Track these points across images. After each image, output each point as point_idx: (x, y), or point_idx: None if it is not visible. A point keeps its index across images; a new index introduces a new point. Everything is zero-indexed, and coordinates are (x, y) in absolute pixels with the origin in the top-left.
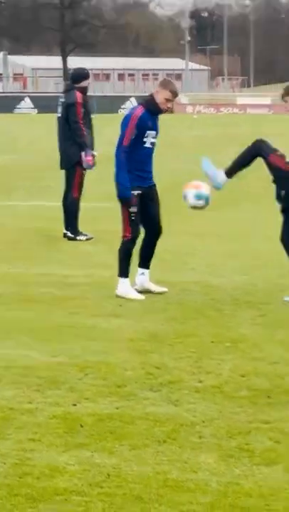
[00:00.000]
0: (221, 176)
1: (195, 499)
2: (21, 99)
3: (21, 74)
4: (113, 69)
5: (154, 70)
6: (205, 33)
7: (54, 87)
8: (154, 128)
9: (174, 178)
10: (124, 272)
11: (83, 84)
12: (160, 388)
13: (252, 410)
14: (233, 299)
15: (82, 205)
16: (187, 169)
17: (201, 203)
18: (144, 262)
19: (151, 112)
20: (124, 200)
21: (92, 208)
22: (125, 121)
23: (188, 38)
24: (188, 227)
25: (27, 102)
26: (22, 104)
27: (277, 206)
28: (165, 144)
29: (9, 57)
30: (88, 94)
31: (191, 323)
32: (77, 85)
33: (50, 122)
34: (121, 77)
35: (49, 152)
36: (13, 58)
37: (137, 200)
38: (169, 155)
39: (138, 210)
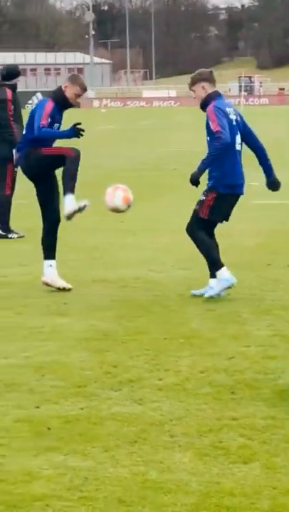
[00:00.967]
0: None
1: (178, 500)
2: None
3: None
4: (14, 64)
5: (55, 64)
6: (105, 27)
7: None
8: (60, 122)
9: (93, 175)
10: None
11: (14, 81)
12: (121, 387)
13: (218, 407)
14: (177, 294)
15: (14, 202)
16: (99, 164)
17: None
18: (49, 253)
19: (60, 106)
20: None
21: (23, 205)
22: (40, 107)
23: (93, 32)
24: (115, 224)
25: None
26: None
27: None
28: (75, 139)
29: None
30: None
31: (140, 320)
32: (7, 82)
33: None
34: (23, 72)
35: None
36: None
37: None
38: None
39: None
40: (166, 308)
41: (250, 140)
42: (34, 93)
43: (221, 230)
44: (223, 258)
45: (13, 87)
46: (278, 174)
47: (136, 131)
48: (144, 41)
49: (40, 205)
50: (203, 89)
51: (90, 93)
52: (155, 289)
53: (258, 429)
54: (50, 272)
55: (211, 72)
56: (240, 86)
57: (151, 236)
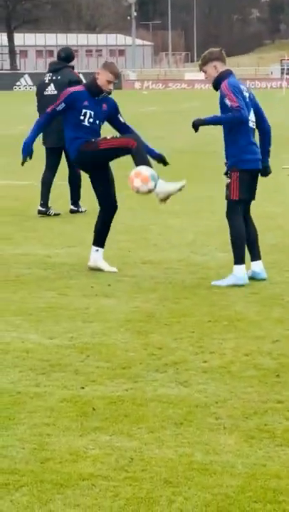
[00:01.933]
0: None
1: (224, 482)
2: None
3: None
4: (56, 45)
5: (97, 46)
6: (147, 8)
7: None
8: (93, 109)
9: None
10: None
11: (72, 63)
12: (166, 369)
13: (263, 390)
14: (221, 277)
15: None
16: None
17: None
18: (99, 240)
19: (92, 92)
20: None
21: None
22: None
23: (135, 14)
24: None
25: None
26: None
27: None
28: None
29: None
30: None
31: (185, 302)
32: (69, 64)
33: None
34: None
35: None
36: None
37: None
38: None
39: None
40: (210, 291)
41: (260, 120)
42: None
43: (262, 212)
44: (266, 239)
45: (73, 68)
46: None
47: (177, 114)
48: (185, 23)
49: (97, 194)
50: (215, 69)
51: (131, 75)
52: (199, 271)
53: None
54: (96, 256)
55: (221, 50)
56: (282, 69)
57: (194, 218)
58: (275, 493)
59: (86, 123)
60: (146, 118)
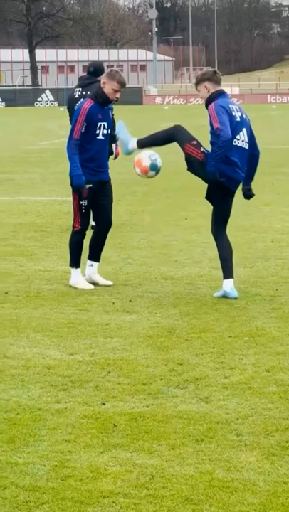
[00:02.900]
0: (133, 143)
1: (245, 500)
2: None
3: None
4: (78, 61)
5: (118, 61)
6: (168, 24)
7: (20, 80)
8: (106, 119)
9: None
10: (74, 262)
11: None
12: (186, 385)
13: (284, 406)
14: (242, 292)
15: None
16: (167, 160)
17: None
18: (94, 254)
19: (100, 103)
20: (77, 188)
21: None
22: (75, 115)
23: (156, 29)
24: (180, 220)
25: None
26: None
27: None
28: (139, 135)
29: None
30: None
31: (205, 317)
32: (98, 78)
33: (18, 115)
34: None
35: (22, 146)
36: None
37: (88, 193)
38: None
39: (88, 203)
40: (230, 306)
41: (250, 145)
42: None
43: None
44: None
45: None
46: None
47: (197, 129)
48: (206, 38)
49: (93, 207)
50: (206, 89)
51: (152, 90)
52: (219, 287)
53: None
54: (90, 271)
55: (215, 71)
56: None
57: None
58: None
59: (101, 136)
60: None
